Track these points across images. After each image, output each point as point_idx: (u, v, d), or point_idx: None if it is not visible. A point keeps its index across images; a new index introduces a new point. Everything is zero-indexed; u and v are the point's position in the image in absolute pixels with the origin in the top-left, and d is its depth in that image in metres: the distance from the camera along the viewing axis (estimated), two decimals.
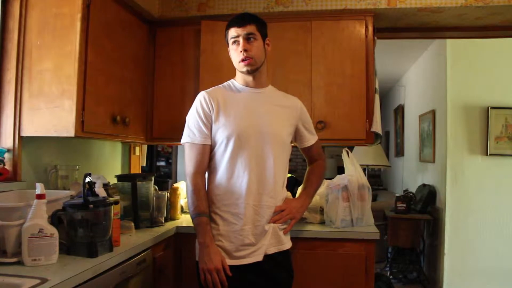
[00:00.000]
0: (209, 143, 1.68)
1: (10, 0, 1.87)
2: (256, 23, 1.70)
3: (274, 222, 1.69)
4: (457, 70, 3.67)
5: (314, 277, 2.03)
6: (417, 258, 4.08)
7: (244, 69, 1.69)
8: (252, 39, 1.67)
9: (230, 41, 1.70)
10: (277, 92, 1.84)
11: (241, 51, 1.66)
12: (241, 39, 1.66)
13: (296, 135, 1.86)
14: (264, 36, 1.73)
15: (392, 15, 2.43)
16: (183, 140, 1.71)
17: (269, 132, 1.69)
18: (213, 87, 1.78)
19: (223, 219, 1.65)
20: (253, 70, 1.70)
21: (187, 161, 1.69)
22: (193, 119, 1.70)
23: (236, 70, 1.76)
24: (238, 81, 1.77)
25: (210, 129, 1.68)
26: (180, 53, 2.53)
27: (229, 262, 1.62)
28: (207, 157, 1.69)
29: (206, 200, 1.65)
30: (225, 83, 1.80)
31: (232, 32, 1.68)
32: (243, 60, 1.67)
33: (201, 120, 1.68)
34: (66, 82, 1.80)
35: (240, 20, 1.68)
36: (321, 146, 1.99)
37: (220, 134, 1.66)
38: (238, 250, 1.63)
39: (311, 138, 1.89)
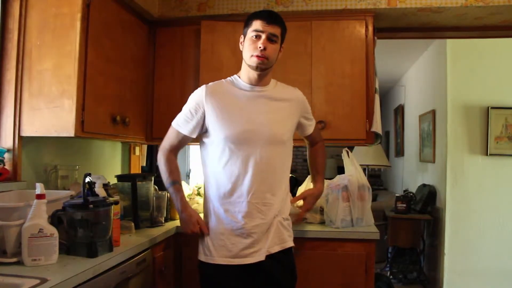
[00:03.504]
0: (193, 136, 1.74)
1: (10, 0, 1.87)
2: (282, 26, 1.70)
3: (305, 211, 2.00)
4: (457, 70, 3.67)
5: (314, 277, 2.03)
6: (417, 258, 4.07)
7: (255, 64, 1.66)
8: (273, 40, 1.66)
9: (252, 33, 1.66)
10: (278, 85, 1.82)
11: (259, 47, 1.64)
12: (263, 36, 1.64)
13: (298, 126, 1.89)
14: (282, 42, 1.73)
15: (392, 15, 2.43)
16: (173, 123, 1.78)
17: (268, 132, 1.68)
18: (216, 81, 1.77)
19: (224, 218, 1.65)
20: (262, 69, 1.68)
21: (166, 138, 1.79)
22: (187, 108, 1.74)
23: (242, 65, 1.74)
24: (242, 77, 1.75)
25: (201, 124, 1.71)
26: (180, 53, 2.53)
27: (232, 261, 1.62)
28: (184, 145, 1.82)
29: (178, 170, 1.78)
30: (228, 78, 1.78)
31: (258, 25, 1.65)
32: (257, 56, 1.64)
33: (190, 113, 1.72)
34: (66, 82, 1.80)
35: (269, 17, 1.66)
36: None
37: (218, 134, 1.66)
38: (240, 249, 1.63)
39: (311, 126, 1.95)
